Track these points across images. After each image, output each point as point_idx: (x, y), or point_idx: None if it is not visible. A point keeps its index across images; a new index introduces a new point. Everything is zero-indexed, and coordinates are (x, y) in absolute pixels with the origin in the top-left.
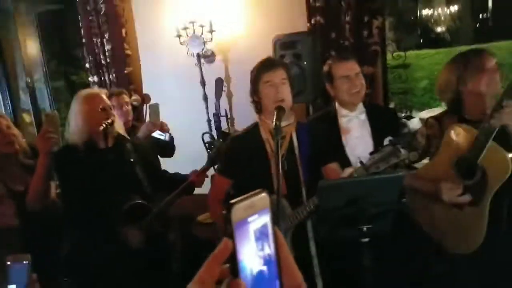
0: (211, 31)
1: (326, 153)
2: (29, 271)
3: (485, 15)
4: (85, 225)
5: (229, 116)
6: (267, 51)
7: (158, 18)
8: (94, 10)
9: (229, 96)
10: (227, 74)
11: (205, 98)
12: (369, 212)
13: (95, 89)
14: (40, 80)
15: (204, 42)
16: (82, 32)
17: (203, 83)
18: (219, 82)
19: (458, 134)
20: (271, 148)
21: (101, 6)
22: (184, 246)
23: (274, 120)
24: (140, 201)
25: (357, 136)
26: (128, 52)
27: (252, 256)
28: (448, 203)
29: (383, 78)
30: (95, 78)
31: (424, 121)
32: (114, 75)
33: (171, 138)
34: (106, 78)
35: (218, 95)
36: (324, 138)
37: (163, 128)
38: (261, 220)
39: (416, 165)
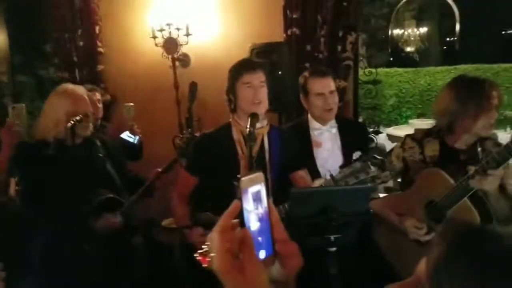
0: (187, 35)
1: (296, 161)
2: None
3: (452, 38)
4: (56, 223)
5: (201, 121)
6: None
7: (134, 18)
8: (68, 5)
9: (203, 101)
10: (201, 79)
11: (177, 101)
12: (338, 222)
13: (80, 89)
14: (5, 74)
15: (180, 45)
16: (54, 27)
17: (176, 86)
18: (193, 86)
19: (435, 179)
20: (241, 149)
21: (76, 1)
22: (147, 251)
23: (248, 126)
24: (112, 195)
25: (328, 149)
26: (101, 50)
27: (251, 213)
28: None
29: (354, 93)
30: (65, 74)
31: (401, 141)
32: (84, 72)
33: (140, 142)
34: (77, 75)
35: (191, 99)
36: (295, 147)
37: (134, 130)
38: (257, 187)
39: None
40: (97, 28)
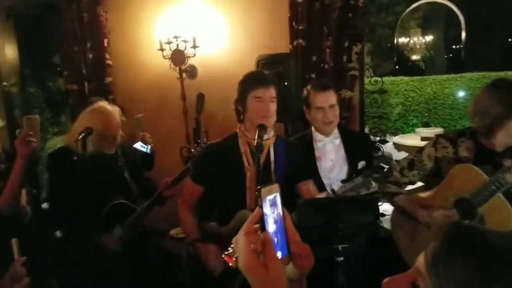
0: (195, 47)
1: (301, 172)
2: None
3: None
4: (71, 226)
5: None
6: (249, 69)
7: (142, 31)
8: (77, 18)
9: (210, 112)
10: (208, 90)
11: (185, 112)
12: (345, 232)
13: (115, 110)
14: (15, 85)
15: (187, 57)
16: (63, 39)
17: (183, 98)
18: (200, 97)
19: (466, 174)
20: (247, 160)
21: (85, 15)
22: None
23: (256, 138)
24: (123, 200)
25: (331, 160)
26: (110, 62)
27: (269, 217)
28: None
29: (361, 102)
30: (74, 86)
31: (433, 140)
32: (93, 84)
33: (152, 151)
34: (86, 86)
35: (199, 110)
36: (301, 158)
37: (145, 140)
38: (273, 195)
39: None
40: (105, 41)
